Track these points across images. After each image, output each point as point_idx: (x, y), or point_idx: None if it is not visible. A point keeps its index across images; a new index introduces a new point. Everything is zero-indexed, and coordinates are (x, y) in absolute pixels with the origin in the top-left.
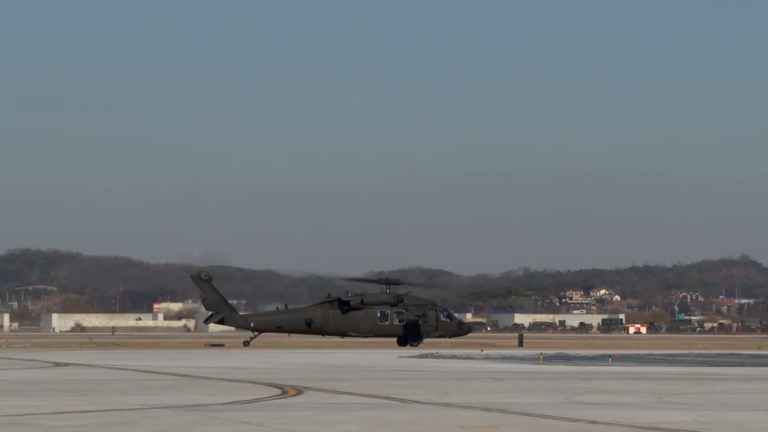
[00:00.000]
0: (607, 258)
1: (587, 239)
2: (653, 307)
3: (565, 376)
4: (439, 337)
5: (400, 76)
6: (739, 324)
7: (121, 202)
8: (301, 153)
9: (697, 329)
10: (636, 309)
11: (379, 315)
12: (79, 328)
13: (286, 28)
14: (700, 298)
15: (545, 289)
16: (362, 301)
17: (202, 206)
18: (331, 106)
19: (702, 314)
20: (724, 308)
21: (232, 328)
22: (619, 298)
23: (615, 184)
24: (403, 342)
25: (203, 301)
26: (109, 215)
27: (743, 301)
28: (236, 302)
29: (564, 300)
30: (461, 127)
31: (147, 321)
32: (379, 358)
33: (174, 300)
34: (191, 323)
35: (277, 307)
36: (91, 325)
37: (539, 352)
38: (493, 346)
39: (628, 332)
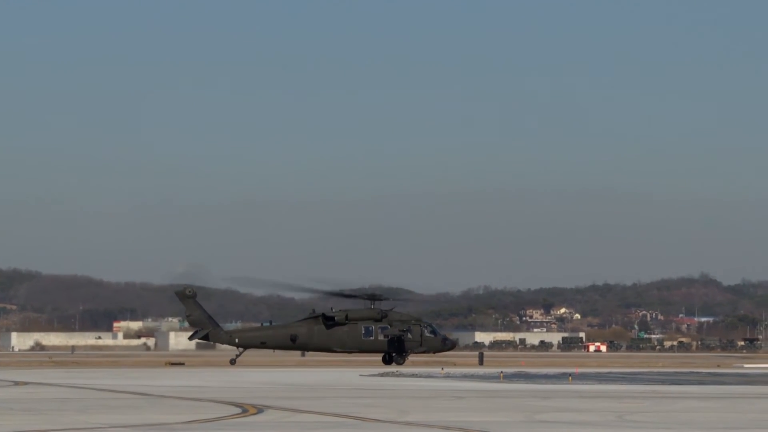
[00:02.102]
0: (567, 276)
1: (547, 258)
2: (613, 326)
3: (526, 395)
4: (424, 352)
5: (366, 97)
6: (699, 342)
7: (80, 220)
8: (260, 172)
9: (657, 348)
10: (596, 327)
11: (363, 331)
12: (38, 346)
13: (257, 45)
14: (660, 317)
15: (506, 308)
16: (347, 316)
17: (162, 225)
18: (292, 127)
19: (662, 333)
20: (684, 327)
21: (193, 347)
22: (579, 317)
23: (575, 202)
24: (388, 360)
25: (188, 318)
26: (69, 234)
27: (703, 319)
28: None
29: (524, 318)
30: (422, 147)
31: (107, 340)
32: (340, 377)
33: (134, 319)
34: (151, 342)
35: (262, 324)
36: (50, 343)
37: (500, 370)
38: (454, 364)
39: (588, 350)
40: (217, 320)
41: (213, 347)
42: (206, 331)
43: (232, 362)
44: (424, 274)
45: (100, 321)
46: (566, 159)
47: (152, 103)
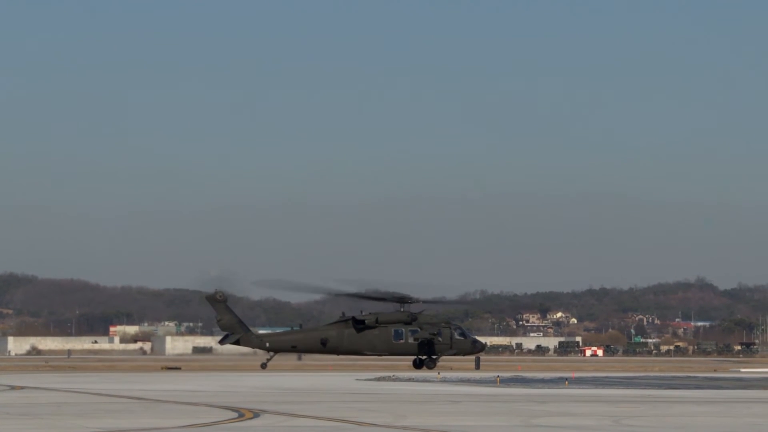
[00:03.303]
0: (564, 281)
1: (544, 262)
2: (610, 330)
3: (522, 399)
4: (454, 355)
5: (364, 101)
6: (695, 347)
7: (77, 224)
8: (257, 176)
9: (654, 352)
10: (592, 332)
11: (394, 333)
12: (34, 351)
13: (259, 48)
14: (657, 321)
15: (502, 312)
16: (377, 319)
17: (158, 229)
18: (288, 131)
19: (658, 337)
20: (680, 331)
21: (189, 351)
22: (575, 321)
23: (571, 207)
24: (419, 365)
25: (218, 322)
26: (65, 238)
27: (699, 323)
28: (192, 324)
29: (521, 323)
30: (417, 150)
31: (103, 344)
32: (337, 381)
33: (130, 323)
34: (147, 346)
35: (292, 327)
36: (47, 348)
37: (496, 374)
38: (450, 368)
39: (584, 355)
40: (213, 324)
41: (209, 352)
42: (237, 336)
43: (263, 366)
44: (421, 278)
45: (97, 325)
46: (563, 164)
47: (150, 107)
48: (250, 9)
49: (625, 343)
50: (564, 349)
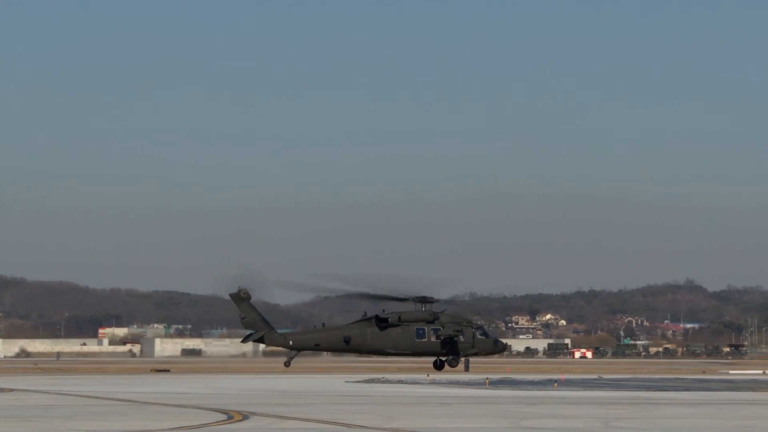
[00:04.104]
0: (553, 283)
1: (533, 264)
2: (599, 332)
3: (511, 401)
4: (475, 354)
5: (354, 103)
6: (684, 349)
7: (66, 227)
8: (246, 179)
9: (643, 354)
10: (582, 333)
11: (416, 332)
12: (23, 353)
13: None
14: (646, 323)
15: (491, 314)
16: (400, 318)
17: (147, 232)
18: (274, 135)
19: (647, 339)
20: (669, 333)
21: (178, 354)
22: (564, 323)
23: (561, 209)
24: (439, 366)
25: (242, 320)
26: (54, 240)
27: (688, 325)
28: (181, 327)
29: (510, 324)
30: (410, 152)
31: (92, 346)
32: (326, 383)
33: (119, 325)
34: (136, 348)
35: (315, 326)
36: (36, 350)
37: (485, 376)
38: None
39: (573, 357)
40: (202, 326)
41: (198, 354)
42: (261, 334)
43: (287, 365)
44: (410, 280)
45: (86, 327)
46: (552, 166)
47: (140, 111)
48: (246, 11)
49: (614, 344)
50: (553, 350)
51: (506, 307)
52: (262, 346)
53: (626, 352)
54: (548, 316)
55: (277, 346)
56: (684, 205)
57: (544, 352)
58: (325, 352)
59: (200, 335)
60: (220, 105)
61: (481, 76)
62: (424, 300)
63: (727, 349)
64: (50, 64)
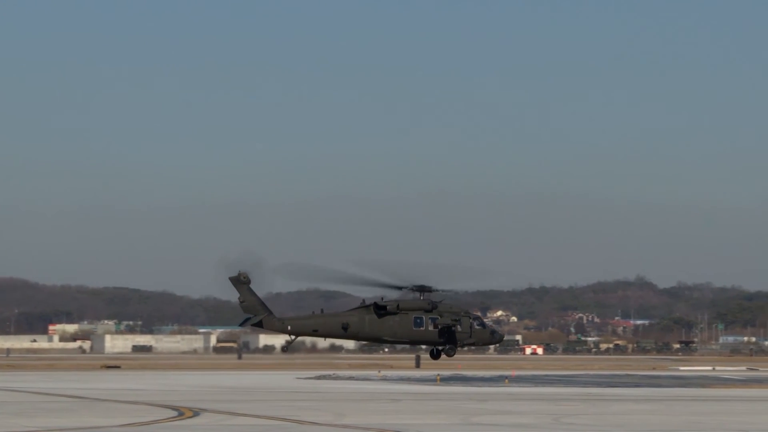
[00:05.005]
0: (504, 279)
1: (484, 261)
2: (550, 328)
3: (462, 397)
4: (472, 344)
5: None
6: (635, 345)
7: (16, 223)
8: (198, 176)
9: (593, 350)
10: (532, 330)
11: (414, 321)
12: None
13: (179, 49)
14: (596, 320)
15: None
16: (398, 306)
17: (99, 228)
18: (225, 131)
19: (598, 335)
20: (620, 329)
21: (129, 350)
22: (516, 320)
23: (511, 205)
24: (436, 355)
25: (241, 304)
26: (4, 236)
27: (639, 322)
28: (132, 323)
29: None
30: (352, 150)
31: (42, 343)
32: (277, 380)
33: (69, 321)
34: (87, 345)
35: (313, 312)
36: None
37: (436, 373)
38: (390, 367)
39: (524, 353)
40: (152, 323)
41: (149, 350)
42: (260, 318)
43: (284, 349)
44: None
45: (36, 324)
46: (503, 163)
47: (90, 106)
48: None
49: (565, 341)
50: (504, 347)
51: (456, 304)
52: (213, 343)
53: (577, 348)
54: (499, 313)
55: (276, 330)
56: (634, 203)
57: (496, 349)
58: (323, 339)
59: (151, 331)
60: (170, 103)
61: (443, 73)
62: (422, 289)
63: (677, 346)
64: (3, 59)
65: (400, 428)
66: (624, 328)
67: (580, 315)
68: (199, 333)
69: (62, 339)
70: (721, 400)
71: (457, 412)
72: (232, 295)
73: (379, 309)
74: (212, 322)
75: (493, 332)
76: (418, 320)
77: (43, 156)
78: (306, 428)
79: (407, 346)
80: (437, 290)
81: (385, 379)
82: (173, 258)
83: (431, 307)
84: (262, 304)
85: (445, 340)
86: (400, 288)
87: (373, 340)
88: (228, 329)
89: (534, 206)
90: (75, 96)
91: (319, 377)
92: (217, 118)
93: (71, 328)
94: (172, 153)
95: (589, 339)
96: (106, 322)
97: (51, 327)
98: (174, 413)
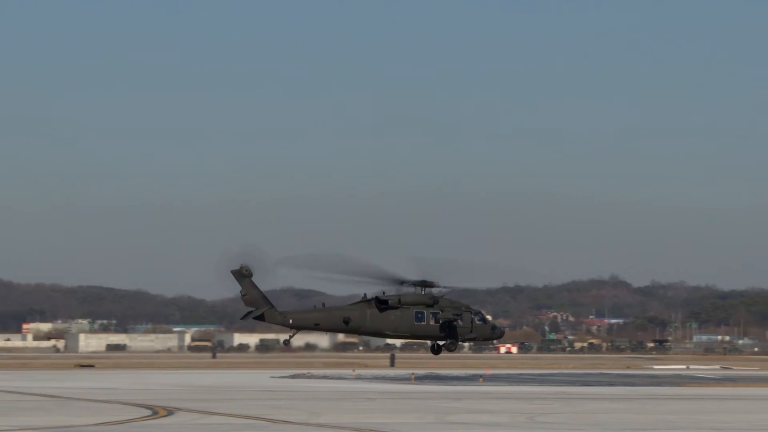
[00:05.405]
0: (478, 278)
1: (458, 260)
2: (524, 327)
3: (437, 396)
4: (473, 339)
5: (280, 101)
6: (609, 344)
7: None
8: (171, 174)
9: (567, 349)
10: (507, 329)
11: (415, 315)
12: None
13: (161, 47)
14: (571, 318)
15: None
16: (399, 300)
17: (73, 227)
18: (198, 130)
19: (572, 334)
20: (594, 328)
21: (103, 349)
22: (490, 318)
23: (486, 204)
24: (436, 350)
25: (243, 297)
26: None
27: (613, 321)
28: (106, 322)
29: None
30: (322, 148)
31: (16, 341)
32: (252, 379)
33: (43, 320)
34: (61, 343)
35: (315, 306)
36: None
37: (411, 372)
38: (365, 366)
39: (499, 352)
40: (127, 321)
41: (123, 349)
42: (262, 311)
43: (286, 343)
44: (338, 277)
45: (9, 322)
46: (477, 161)
47: (64, 104)
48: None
49: (539, 340)
50: (478, 346)
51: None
52: (187, 342)
53: (551, 347)
54: None
55: (278, 324)
56: (608, 202)
57: (470, 347)
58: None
59: (125, 330)
60: (145, 102)
61: (405, 72)
62: (424, 284)
63: (651, 344)
64: None
65: (374, 427)
66: (598, 327)
67: (555, 314)
68: (173, 332)
69: (36, 338)
70: (694, 398)
71: (432, 411)
72: (207, 293)
73: (381, 303)
74: (186, 321)
75: (494, 327)
76: (420, 315)
77: (15, 155)
78: (280, 427)
79: (380, 343)
80: (439, 285)
81: (359, 378)
82: (147, 257)
83: (433, 302)
84: (264, 297)
85: (446, 335)
86: (401, 282)
87: (374, 335)
88: (202, 328)
89: (508, 205)
90: (50, 95)
91: (293, 376)
92: (181, 115)
93: (45, 326)
94: (145, 151)
95: (564, 338)
96: (80, 320)
97: (25, 326)
98: (148, 412)
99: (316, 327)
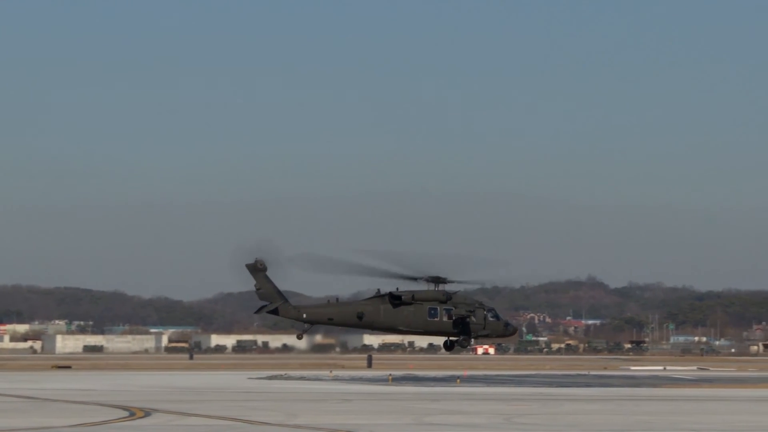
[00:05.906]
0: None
1: (434, 260)
2: None
3: (414, 397)
4: (486, 336)
5: (267, 99)
6: (586, 345)
7: None
8: (150, 175)
9: (545, 350)
10: None
11: (429, 311)
12: None
13: (146, 48)
14: (548, 319)
15: None
16: (413, 296)
17: (50, 228)
18: (179, 131)
19: (549, 335)
20: (571, 329)
21: (80, 350)
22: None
23: (463, 205)
24: (449, 346)
25: (258, 291)
26: None
27: (590, 322)
28: (83, 323)
29: None
30: (294, 149)
31: None
32: (229, 380)
33: (20, 321)
34: (38, 345)
35: (329, 300)
36: None
37: (388, 373)
38: (342, 367)
39: (476, 353)
40: (104, 323)
41: (100, 350)
42: (276, 305)
43: (299, 337)
44: (313, 276)
45: None
46: (455, 162)
47: (42, 105)
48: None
49: (516, 341)
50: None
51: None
52: (164, 343)
53: (528, 348)
54: None
55: (292, 318)
56: (585, 203)
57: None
58: (338, 327)
59: (102, 332)
60: (122, 103)
61: (392, 72)
62: (437, 280)
63: (629, 345)
64: None
65: (351, 428)
66: (575, 328)
67: (532, 315)
68: (150, 333)
69: (13, 339)
70: (672, 399)
71: (409, 412)
72: (184, 295)
73: (395, 299)
74: (163, 322)
75: (507, 324)
76: (433, 311)
77: None
78: (257, 428)
79: (357, 345)
80: (452, 281)
81: (336, 379)
82: (124, 258)
83: (446, 298)
84: (278, 291)
85: (460, 331)
86: (414, 279)
87: (387, 330)
88: (179, 329)
89: (485, 206)
90: (25, 94)
91: (270, 377)
92: (166, 115)
93: (22, 328)
94: (123, 152)
95: (541, 339)
96: (57, 322)
97: (1, 327)
98: (125, 413)
99: (329, 321)
